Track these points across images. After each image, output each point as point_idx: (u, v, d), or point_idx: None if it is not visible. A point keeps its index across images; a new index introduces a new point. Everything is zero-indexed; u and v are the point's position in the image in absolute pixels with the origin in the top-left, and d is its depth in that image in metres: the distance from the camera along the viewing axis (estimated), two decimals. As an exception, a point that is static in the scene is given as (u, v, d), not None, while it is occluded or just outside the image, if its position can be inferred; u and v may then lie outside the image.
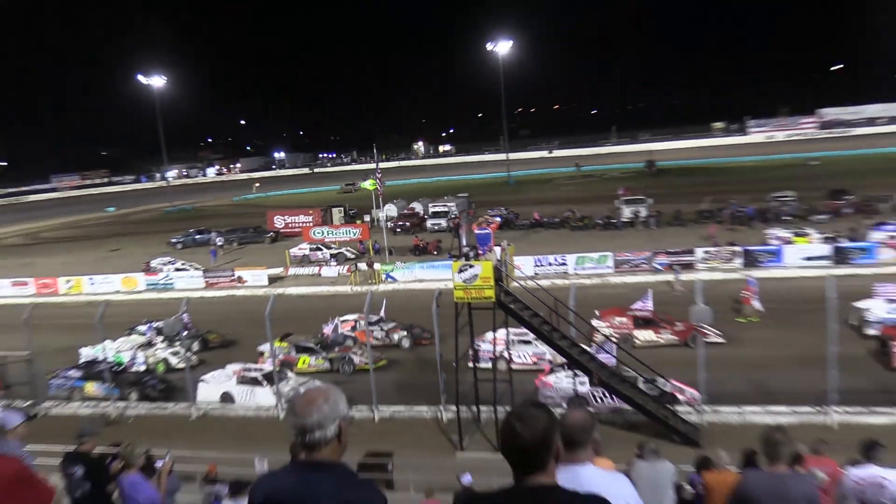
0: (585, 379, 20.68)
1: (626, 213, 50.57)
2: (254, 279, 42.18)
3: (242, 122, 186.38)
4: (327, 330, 28.40)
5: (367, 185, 50.70)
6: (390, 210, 56.09)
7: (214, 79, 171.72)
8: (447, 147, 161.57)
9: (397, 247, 46.87)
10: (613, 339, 23.96)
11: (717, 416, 19.98)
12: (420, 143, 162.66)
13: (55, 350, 28.59)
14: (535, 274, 33.51)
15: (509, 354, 21.55)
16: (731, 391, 20.91)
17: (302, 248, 47.61)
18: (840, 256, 35.16)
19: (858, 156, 79.88)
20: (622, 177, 76.75)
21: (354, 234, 50.43)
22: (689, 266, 35.91)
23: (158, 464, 9.40)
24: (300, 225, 57.17)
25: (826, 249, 35.74)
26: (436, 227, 53.73)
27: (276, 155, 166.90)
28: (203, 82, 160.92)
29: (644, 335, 25.84)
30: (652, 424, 19.09)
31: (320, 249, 47.01)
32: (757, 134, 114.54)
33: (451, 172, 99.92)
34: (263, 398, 23.25)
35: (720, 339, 24.74)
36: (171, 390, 25.29)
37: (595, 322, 25.99)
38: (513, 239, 37.55)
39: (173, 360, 27.74)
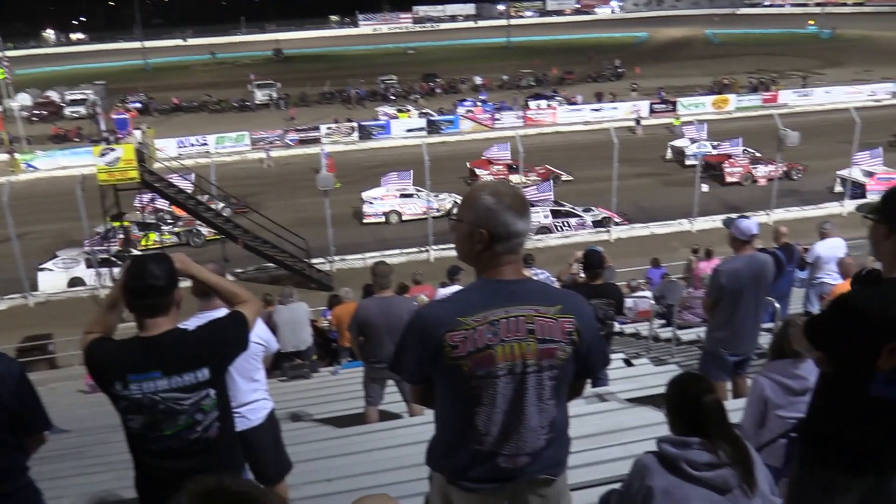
0: (549, 212, 22.25)
1: (259, 96, 49.16)
2: None
3: None
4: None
5: (-7, 74, 42.97)
6: (24, 99, 48.31)
7: None
8: (80, 35, 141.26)
9: (36, 136, 40.82)
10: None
11: (345, 264, 21.04)
12: (50, 31, 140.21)
13: None
14: (179, 155, 31.62)
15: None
16: (355, 242, 22.13)
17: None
18: (433, 127, 37.88)
19: (444, 46, 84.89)
20: (253, 63, 73.83)
21: (-16, 125, 43.05)
22: (315, 140, 36.31)
23: None
24: (-82, 117, 47.15)
25: (422, 122, 38.25)
26: (75, 115, 47.51)
27: None
28: None
29: (516, 178, 25.44)
30: (293, 276, 19.59)
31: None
32: (366, 26, 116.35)
33: (85, 60, 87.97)
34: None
35: (570, 177, 25.93)
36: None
37: (477, 170, 27.10)
38: (154, 123, 34.83)
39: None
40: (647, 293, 13.34)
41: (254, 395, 4.22)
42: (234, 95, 49.55)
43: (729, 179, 26.11)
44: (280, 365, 9.48)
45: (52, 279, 20.74)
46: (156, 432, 2.72)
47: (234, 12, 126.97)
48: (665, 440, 2.57)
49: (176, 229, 23.27)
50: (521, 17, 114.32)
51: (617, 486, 2.81)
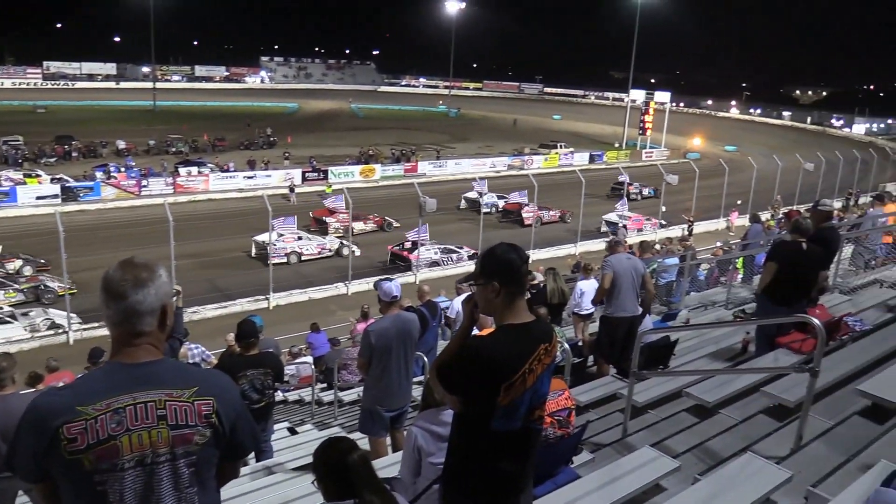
0: (437, 249, 26.61)
1: None
2: None
3: None
4: None
5: None
6: None
7: None
8: None
9: None
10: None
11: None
12: None
13: None
14: None
15: None
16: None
17: None
18: (69, 195, 34.25)
19: (81, 106, 78.45)
20: None
21: None
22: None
23: None
24: None
25: (55, 189, 34.37)
26: None
27: None
28: None
29: (358, 225, 29.49)
30: None
31: None
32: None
33: None
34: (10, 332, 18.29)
35: (398, 224, 29.34)
36: None
37: (328, 219, 29.91)
38: None
39: None
40: (309, 359, 13.47)
41: None
42: None
43: (527, 222, 30.67)
44: None
45: None
46: None
47: None
48: (321, 509, 2.57)
49: (23, 286, 21.23)
50: (169, 80, 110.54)
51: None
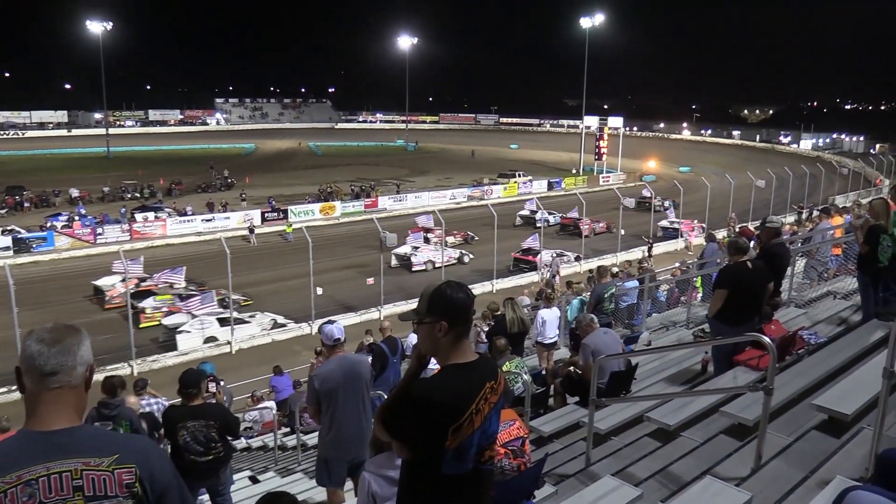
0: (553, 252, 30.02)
1: None
2: None
3: None
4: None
5: None
6: None
7: None
8: None
9: None
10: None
11: None
12: None
13: None
14: None
15: None
16: None
17: None
18: (21, 246, 33.39)
19: (32, 155, 77.18)
20: None
21: None
22: None
23: None
24: None
25: (7, 241, 33.47)
26: None
27: None
28: None
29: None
30: None
31: None
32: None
33: None
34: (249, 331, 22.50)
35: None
36: None
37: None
38: None
39: None
40: (271, 403, 13.19)
41: None
42: None
43: (585, 233, 34.46)
44: None
45: (190, 340, 21.54)
46: None
47: None
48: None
49: (217, 297, 23.69)
50: (122, 126, 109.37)
51: None
